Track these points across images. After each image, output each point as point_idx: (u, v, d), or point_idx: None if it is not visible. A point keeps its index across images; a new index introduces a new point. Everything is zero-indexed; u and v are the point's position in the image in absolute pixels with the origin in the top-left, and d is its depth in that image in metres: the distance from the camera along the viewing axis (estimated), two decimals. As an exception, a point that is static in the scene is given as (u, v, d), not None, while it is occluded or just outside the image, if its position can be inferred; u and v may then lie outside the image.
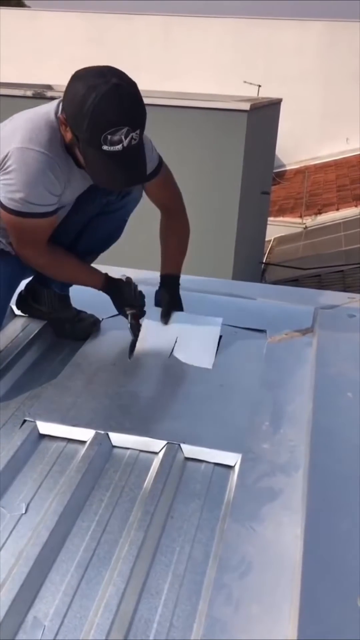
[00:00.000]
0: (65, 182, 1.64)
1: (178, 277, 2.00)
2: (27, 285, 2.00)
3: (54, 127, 1.57)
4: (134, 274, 2.03)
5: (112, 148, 1.46)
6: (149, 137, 1.78)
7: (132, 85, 1.49)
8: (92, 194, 1.77)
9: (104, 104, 1.43)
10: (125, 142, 1.46)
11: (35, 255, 1.73)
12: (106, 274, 1.87)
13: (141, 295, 1.92)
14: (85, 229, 1.88)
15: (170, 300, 1.97)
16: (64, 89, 1.55)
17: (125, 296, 1.88)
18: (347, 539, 1.16)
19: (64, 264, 1.80)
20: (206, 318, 1.97)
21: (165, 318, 1.95)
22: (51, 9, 14.23)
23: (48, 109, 1.60)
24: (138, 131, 1.49)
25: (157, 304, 1.98)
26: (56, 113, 1.58)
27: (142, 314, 1.92)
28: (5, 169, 1.56)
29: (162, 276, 1.99)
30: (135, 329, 1.90)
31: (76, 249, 1.88)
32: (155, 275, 2.01)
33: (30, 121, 1.58)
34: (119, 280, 1.89)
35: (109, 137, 1.45)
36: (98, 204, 1.81)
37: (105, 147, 1.46)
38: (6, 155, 1.55)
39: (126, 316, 1.90)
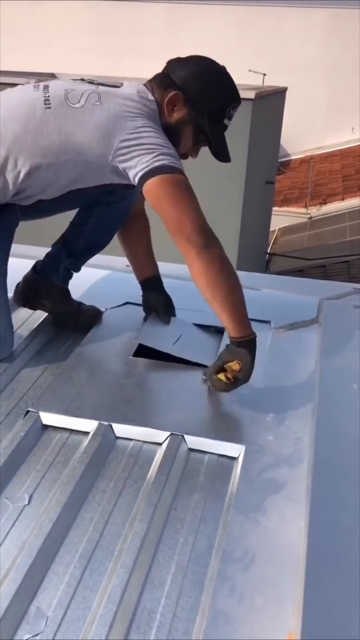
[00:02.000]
0: None
1: (159, 277, 1.99)
2: (25, 278, 1.97)
3: (147, 108, 1.59)
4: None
5: (227, 123, 1.64)
6: None
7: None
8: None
9: (232, 81, 1.63)
10: (234, 118, 1.65)
11: (201, 231, 1.49)
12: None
13: None
14: (87, 221, 1.86)
15: (167, 300, 1.97)
16: (67, 77, 1.53)
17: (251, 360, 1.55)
18: (351, 531, 1.16)
19: (229, 262, 1.54)
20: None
21: (168, 317, 1.94)
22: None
23: (130, 93, 1.60)
24: None
25: (150, 306, 1.98)
26: (144, 95, 1.60)
27: None
28: (127, 148, 1.50)
29: (149, 278, 1.97)
30: None
31: (80, 242, 1.87)
32: (167, 267, 2.00)
33: (119, 114, 1.53)
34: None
35: (231, 111, 1.63)
36: (99, 191, 1.73)
37: (225, 121, 1.63)
38: (120, 141, 1.50)
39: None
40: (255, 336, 1.57)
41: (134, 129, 1.52)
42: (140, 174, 1.50)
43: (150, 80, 1.67)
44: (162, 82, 1.63)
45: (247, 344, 1.55)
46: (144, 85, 1.65)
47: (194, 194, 1.53)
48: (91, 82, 1.64)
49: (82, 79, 1.66)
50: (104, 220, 1.87)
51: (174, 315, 1.98)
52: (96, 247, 1.95)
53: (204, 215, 1.52)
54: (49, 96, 1.57)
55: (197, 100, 1.60)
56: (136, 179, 1.51)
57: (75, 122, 1.54)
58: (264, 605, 1.05)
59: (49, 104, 1.55)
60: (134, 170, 1.51)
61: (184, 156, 1.69)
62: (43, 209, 1.73)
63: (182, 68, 1.62)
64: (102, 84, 1.63)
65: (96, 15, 13.50)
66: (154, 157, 1.49)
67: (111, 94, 1.59)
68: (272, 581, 1.10)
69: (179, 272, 1.98)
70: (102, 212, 1.84)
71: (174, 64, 1.64)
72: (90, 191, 1.69)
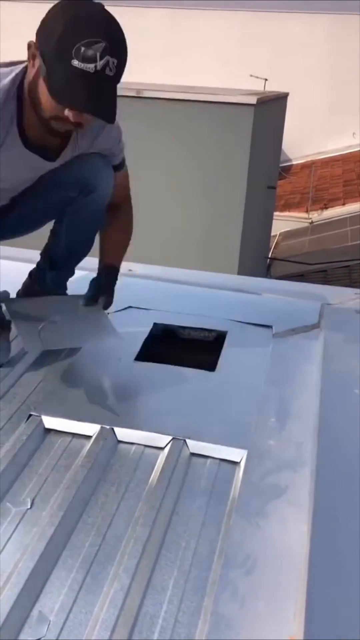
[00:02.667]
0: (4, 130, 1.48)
1: (118, 270, 1.84)
2: (24, 287, 1.98)
3: (13, 76, 1.46)
4: (141, 268, 2.02)
5: (83, 65, 1.30)
6: (120, 131, 1.72)
7: (111, 15, 1.37)
8: (48, 187, 1.68)
9: (84, 14, 1.33)
10: (100, 64, 1.30)
11: None
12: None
13: None
14: (62, 228, 1.83)
15: (105, 287, 1.78)
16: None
17: None
18: (353, 535, 1.16)
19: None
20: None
21: (90, 302, 1.75)
22: (54, 0, 14.18)
23: (14, 62, 1.50)
24: (116, 62, 1.33)
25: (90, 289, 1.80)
26: (14, 62, 1.49)
27: None
28: None
29: (104, 265, 1.81)
30: None
31: (60, 252, 1.87)
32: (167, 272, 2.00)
33: None
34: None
35: (82, 49, 1.29)
36: (57, 198, 1.72)
37: (75, 62, 1.30)
38: None
39: None
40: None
41: None
42: None
43: None
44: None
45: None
46: None
47: None
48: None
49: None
50: (76, 223, 1.81)
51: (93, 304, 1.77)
52: (76, 253, 1.91)
53: None
54: None
55: (41, 41, 1.35)
56: None
57: None
58: (265, 610, 1.05)
59: None
60: None
61: (57, 120, 1.44)
62: (12, 223, 1.73)
63: (46, 14, 1.38)
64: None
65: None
66: None
67: None
68: (274, 586, 1.09)
69: (179, 276, 1.98)
70: (73, 215, 1.78)
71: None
72: (43, 198, 1.69)
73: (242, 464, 1.40)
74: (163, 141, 4.98)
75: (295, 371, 1.76)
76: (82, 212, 1.78)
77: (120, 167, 1.79)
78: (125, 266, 1.97)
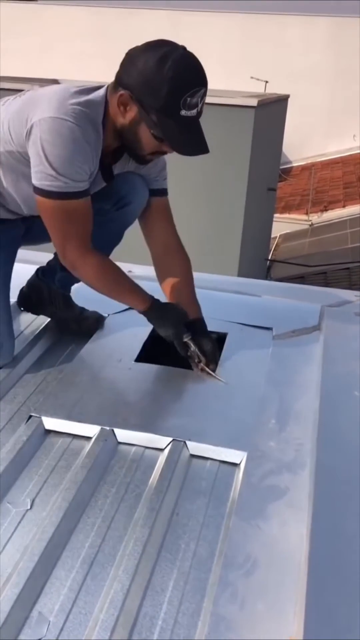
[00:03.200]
0: (94, 165, 1.55)
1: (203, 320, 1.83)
2: (29, 283, 1.99)
3: (95, 105, 1.50)
4: (141, 270, 2.02)
5: (189, 113, 1.44)
6: (165, 162, 1.78)
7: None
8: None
9: (182, 66, 1.42)
10: (200, 107, 1.45)
11: (81, 252, 1.59)
12: (154, 298, 1.73)
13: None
14: None
15: (214, 346, 1.78)
16: (70, 83, 1.53)
17: (170, 321, 1.72)
18: (352, 537, 1.16)
19: (108, 269, 1.66)
20: None
21: (214, 366, 1.76)
22: (57, 3, 14.20)
23: (91, 88, 1.53)
24: (206, 97, 1.48)
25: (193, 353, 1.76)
26: (100, 96, 1.51)
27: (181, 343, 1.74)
28: (32, 141, 1.46)
29: (193, 321, 1.79)
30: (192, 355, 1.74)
31: None
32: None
33: (65, 92, 1.49)
34: (169, 304, 1.76)
35: (188, 99, 1.42)
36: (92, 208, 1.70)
37: (183, 112, 1.43)
38: (31, 127, 1.46)
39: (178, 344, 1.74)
40: (150, 303, 1.71)
41: (44, 119, 1.44)
42: (33, 183, 1.51)
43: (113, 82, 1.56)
44: (116, 82, 1.50)
45: (149, 315, 1.73)
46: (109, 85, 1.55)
47: (78, 213, 1.54)
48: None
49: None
50: (101, 233, 1.76)
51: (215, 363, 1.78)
52: None
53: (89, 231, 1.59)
54: None
55: (143, 96, 1.44)
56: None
57: (5, 110, 1.57)
58: (265, 611, 1.05)
59: None
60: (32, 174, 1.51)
61: (153, 154, 1.60)
62: (41, 229, 1.71)
63: (127, 62, 1.46)
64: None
65: (99, 21, 13.57)
66: (38, 172, 1.48)
67: (54, 86, 1.56)
68: (274, 587, 1.10)
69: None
70: (100, 225, 1.75)
71: (126, 57, 1.48)
72: None
73: (242, 466, 1.40)
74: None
75: (295, 373, 1.76)
76: (110, 224, 1.79)
77: (160, 193, 1.81)
78: (125, 267, 1.98)
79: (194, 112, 1.45)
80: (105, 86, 1.55)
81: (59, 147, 1.44)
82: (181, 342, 1.74)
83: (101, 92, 1.53)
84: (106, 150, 1.59)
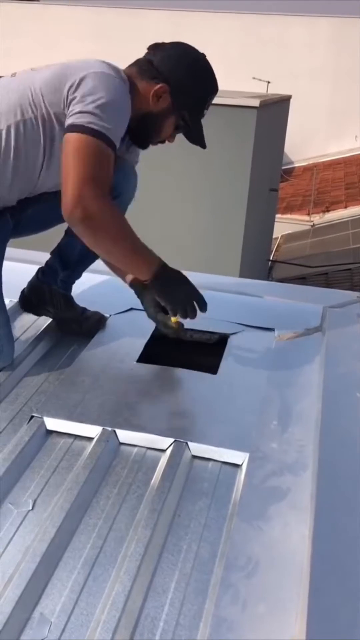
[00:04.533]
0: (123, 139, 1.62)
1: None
2: (30, 285, 1.99)
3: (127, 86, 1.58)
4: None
5: (205, 112, 1.69)
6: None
7: None
8: None
9: (211, 73, 1.66)
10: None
11: (99, 194, 1.45)
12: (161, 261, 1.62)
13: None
14: (73, 235, 1.72)
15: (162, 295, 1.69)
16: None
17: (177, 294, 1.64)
18: (355, 539, 1.16)
19: (122, 220, 1.54)
20: None
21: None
22: (58, 2, 14.21)
23: (113, 68, 1.58)
24: None
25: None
26: (125, 79, 1.59)
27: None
28: (82, 90, 1.49)
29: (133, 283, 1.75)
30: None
31: (74, 254, 1.87)
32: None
33: (102, 63, 1.56)
34: (179, 274, 1.65)
35: (209, 101, 1.68)
36: None
37: (204, 112, 1.69)
38: (82, 78, 1.50)
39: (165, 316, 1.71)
40: (159, 265, 1.61)
41: (97, 72, 1.52)
42: (71, 113, 1.50)
43: (131, 66, 1.66)
44: (147, 71, 1.63)
45: (154, 283, 1.62)
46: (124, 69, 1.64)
47: (102, 155, 1.47)
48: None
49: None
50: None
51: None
52: (90, 256, 1.87)
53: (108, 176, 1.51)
54: (15, 73, 1.66)
55: (182, 93, 1.63)
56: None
57: (31, 79, 1.59)
58: (267, 612, 1.05)
59: (14, 75, 1.65)
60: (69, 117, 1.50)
61: (162, 141, 1.76)
62: (31, 220, 1.75)
63: (166, 58, 1.63)
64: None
65: (100, 21, 13.58)
66: (80, 112, 1.47)
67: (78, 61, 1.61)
68: (276, 589, 1.09)
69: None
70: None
71: (157, 52, 1.65)
72: None
73: (244, 467, 1.40)
74: (165, 143, 4.98)
75: (297, 374, 1.76)
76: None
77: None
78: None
79: (207, 111, 1.70)
80: (123, 70, 1.63)
81: (111, 95, 1.50)
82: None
83: (123, 75, 1.61)
84: None
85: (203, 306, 1.66)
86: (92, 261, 1.94)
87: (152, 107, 1.63)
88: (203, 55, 1.66)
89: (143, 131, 1.70)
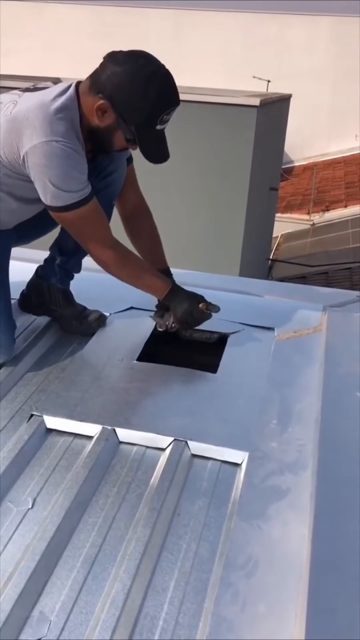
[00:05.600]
0: (86, 168, 1.65)
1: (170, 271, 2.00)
2: (28, 284, 2.00)
3: (69, 110, 1.58)
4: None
5: (161, 126, 1.61)
6: None
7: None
8: None
9: (164, 88, 1.56)
10: (170, 121, 1.61)
11: (103, 248, 1.71)
12: (176, 285, 1.87)
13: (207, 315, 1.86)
14: None
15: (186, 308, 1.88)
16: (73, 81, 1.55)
17: (187, 309, 1.83)
18: (354, 538, 1.16)
19: (130, 261, 1.77)
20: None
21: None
22: (59, 2, 14.18)
23: (62, 90, 1.60)
24: None
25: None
26: (72, 98, 1.59)
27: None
28: (30, 167, 1.56)
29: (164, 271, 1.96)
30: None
31: (70, 241, 1.86)
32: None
33: (43, 110, 1.56)
34: (185, 291, 1.86)
35: (164, 117, 1.58)
36: None
37: (158, 127, 1.59)
38: (25, 154, 1.55)
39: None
40: (170, 288, 1.83)
41: (35, 145, 1.53)
42: (45, 203, 1.62)
43: (88, 78, 1.65)
44: (95, 84, 1.59)
45: (166, 300, 1.85)
46: (81, 81, 1.64)
47: (89, 216, 1.64)
48: (27, 90, 1.67)
49: (28, 87, 1.69)
50: None
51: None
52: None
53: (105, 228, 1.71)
54: None
55: (127, 108, 1.57)
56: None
57: None
58: (266, 612, 1.05)
59: None
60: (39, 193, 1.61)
61: (119, 151, 1.74)
62: (31, 229, 1.82)
63: (115, 73, 1.55)
64: (31, 89, 1.67)
65: (102, 20, 13.56)
66: (45, 193, 1.58)
67: (30, 99, 1.61)
68: (275, 588, 1.09)
69: (180, 277, 1.98)
70: None
71: (109, 64, 1.57)
72: None
73: (244, 466, 1.40)
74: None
75: (297, 373, 1.76)
76: (98, 195, 1.76)
77: (131, 160, 1.90)
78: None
79: (165, 125, 1.61)
80: (74, 84, 1.62)
81: (56, 168, 1.55)
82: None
83: (71, 92, 1.61)
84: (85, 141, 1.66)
85: (214, 307, 1.86)
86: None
87: (98, 122, 1.60)
88: (158, 68, 1.56)
89: (97, 144, 1.68)
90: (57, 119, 1.55)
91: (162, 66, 1.57)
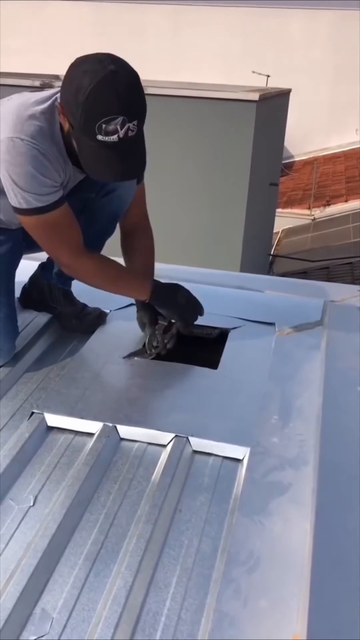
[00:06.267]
0: (64, 172, 1.57)
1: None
2: (31, 279, 2.00)
3: (50, 114, 1.51)
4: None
5: (107, 138, 1.40)
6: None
7: (131, 74, 1.41)
8: (70, 190, 1.68)
9: (99, 91, 1.36)
10: (122, 133, 1.40)
11: (74, 257, 1.63)
12: (156, 280, 1.78)
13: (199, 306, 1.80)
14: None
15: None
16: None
17: (176, 303, 1.77)
18: (356, 533, 1.16)
19: (105, 266, 1.69)
20: None
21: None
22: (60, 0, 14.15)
23: (48, 95, 1.55)
24: (135, 122, 1.41)
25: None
26: (56, 100, 1.52)
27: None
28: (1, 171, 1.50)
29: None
30: (157, 345, 1.80)
31: None
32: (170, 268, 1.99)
33: (21, 109, 1.51)
34: (172, 284, 1.79)
35: (103, 126, 1.38)
36: (77, 198, 1.68)
37: (100, 137, 1.40)
38: None
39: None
40: (152, 287, 1.75)
41: (1, 140, 1.47)
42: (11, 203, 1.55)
43: None
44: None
45: (153, 300, 1.77)
46: None
47: (55, 225, 1.56)
48: (35, 88, 1.61)
49: (36, 86, 1.62)
50: (93, 222, 1.77)
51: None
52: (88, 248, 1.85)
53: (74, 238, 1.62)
54: None
55: (68, 113, 1.44)
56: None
57: None
58: (268, 608, 1.05)
59: None
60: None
61: None
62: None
63: (67, 72, 1.43)
64: (37, 87, 1.60)
65: (101, 17, 13.52)
66: (10, 192, 1.51)
67: (20, 97, 1.57)
68: (277, 584, 1.09)
69: (181, 273, 1.98)
70: (90, 213, 1.76)
71: (70, 66, 1.45)
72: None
73: (245, 462, 1.40)
74: (165, 137, 4.97)
75: (298, 368, 1.76)
76: (99, 213, 1.78)
77: (140, 179, 1.79)
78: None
79: (114, 138, 1.40)
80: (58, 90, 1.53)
81: (19, 166, 1.47)
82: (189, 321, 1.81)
83: (56, 96, 1.53)
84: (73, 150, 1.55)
85: (201, 309, 1.81)
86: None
87: (65, 125, 1.50)
88: (102, 68, 1.37)
89: (72, 154, 1.54)
90: (31, 119, 1.49)
91: (109, 71, 1.37)
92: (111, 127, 1.39)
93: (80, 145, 1.47)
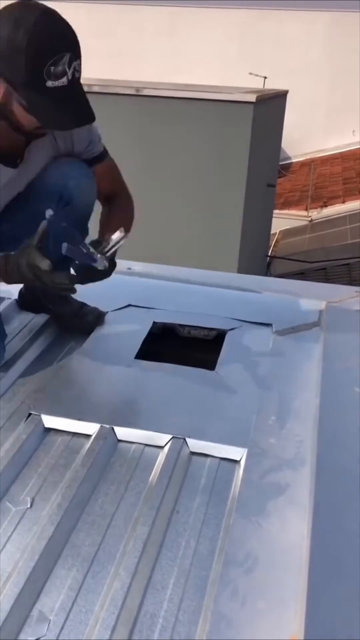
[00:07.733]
0: None
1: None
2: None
3: None
4: (141, 267, 2.01)
5: (57, 83, 1.30)
6: (95, 125, 1.64)
7: (55, 11, 1.32)
8: (28, 200, 1.60)
9: (38, 32, 1.26)
10: (70, 74, 1.31)
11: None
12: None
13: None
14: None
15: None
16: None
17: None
18: (353, 534, 1.16)
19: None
20: None
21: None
22: (59, 1, 14.16)
23: None
24: (79, 61, 1.33)
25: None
26: None
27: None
28: None
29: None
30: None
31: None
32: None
33: None
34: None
35: (52, 68, 1.28)
36: (36, 209, 1.53)
37: (49, 83, 1.29)
38: None
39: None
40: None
41: None
42: None
43: None
44: None
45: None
46: None
47: None
48: None
49: None
50: (59, 233, 1.59)
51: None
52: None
53: None
54: None
55: (5, 70, 1.30)
56: None
57: None
58: (266, 609, 1.05)
59: None
60: None
61: (40, 128, 1.44)
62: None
63: None
64: None
65: (98, 19, 13.53)
66: None
67: None
68: (275, 585, 1.09)
69: (178, 274, 1.98)
70: (56, 224, 1.58)
71: None
72: (24, 213, 1.59)
73: (242, 463, 1.40)
74: (162, 139, 4.97)
75: (295, 369, 1.76)
76: (62, 224, 1.61)
77: (102, 157, 1.72)
78: (124, 264, 1.97)
79: (63, 80, 1.30)
80: None
81: None
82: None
83: None
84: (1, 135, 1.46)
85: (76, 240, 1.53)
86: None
87: None
88: (33, 12, 1.28)
89: (11, 127, 1.43)
90: None
91: (40, 8, 1.28)
92: (60, 69, 1.29)
93: (31, 101, 1.34)
